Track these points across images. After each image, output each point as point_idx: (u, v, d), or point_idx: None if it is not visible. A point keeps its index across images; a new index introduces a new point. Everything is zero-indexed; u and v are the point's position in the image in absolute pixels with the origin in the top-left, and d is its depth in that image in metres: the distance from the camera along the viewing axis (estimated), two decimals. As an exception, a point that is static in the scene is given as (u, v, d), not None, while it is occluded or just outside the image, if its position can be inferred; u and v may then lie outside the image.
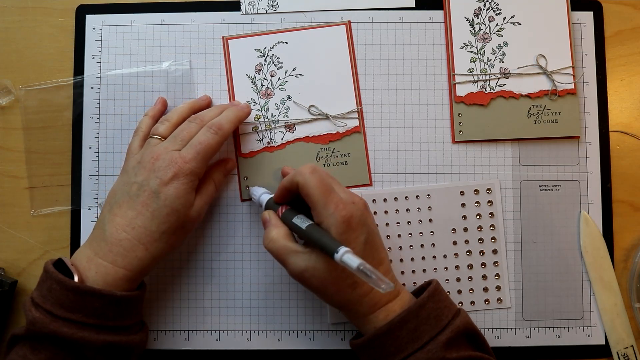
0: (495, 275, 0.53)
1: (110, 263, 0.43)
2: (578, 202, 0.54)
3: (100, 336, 0.41)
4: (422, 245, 0.53)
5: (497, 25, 0.54)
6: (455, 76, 0.54)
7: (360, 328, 0.46)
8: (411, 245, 0.53)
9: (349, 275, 0.42)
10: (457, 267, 0.53)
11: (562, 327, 0.53)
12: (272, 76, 0.54)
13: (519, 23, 0.54)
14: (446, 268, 0.53)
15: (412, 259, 0.53)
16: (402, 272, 0.53)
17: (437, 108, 0.54)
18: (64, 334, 0.40)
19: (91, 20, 0.54)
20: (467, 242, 0.53)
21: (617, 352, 0.52)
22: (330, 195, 0.42)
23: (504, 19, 0.54)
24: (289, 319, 0.53)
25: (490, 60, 0.54)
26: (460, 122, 0.54)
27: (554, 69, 0.54)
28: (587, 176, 0.54)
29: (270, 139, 0.53)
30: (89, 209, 0.53)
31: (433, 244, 0.53)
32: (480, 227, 0.53)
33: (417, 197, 0.53)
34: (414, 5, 0.55)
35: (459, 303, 0.53)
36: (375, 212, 0.53)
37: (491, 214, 0.53)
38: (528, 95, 0.54)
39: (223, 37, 0.54)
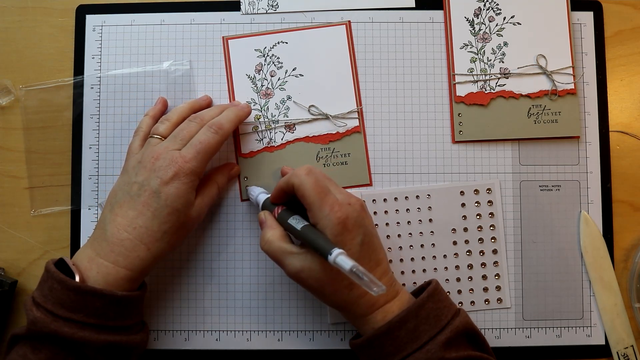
0: (495, 275, 0.53)
1: (111, 263, 0.43)
2: (578, 202, 0.54)
3: (100, 336, 0.41)
4: (422, 245, 0.53)
5: (497, 25, 0.54)
6: (455, 76, 0.54)
7: (358, 329, 0.46)
8: (411, 245, 0.53)
9: (344, 276, 0.42)
10: (457, 267, 0.53)
11: (562, 327, 0.53)
12: (272, 76, 0.54)
13: (519, 23, 0.54)
14: (446, 268, 0.53)
15: (412, 259, 0.53)
16: (402, 272, 0.53)
17: (437, 108, 0.54)
18: (64, 334, 0.40)
19: (91, 20, 0.54)
20: (467, 242, 0.53)
21: (617, 352, 0.52)
22: (326, 196, 0.42)
23: (504, 19, 0.54)
24: (289, 319, 0.53)
25: (490, 60, 0.54)
26: (460, 122, 0.54)
27: (554, 69, 0.54)
28: (587, 176, 0.54)
29: (270, 139, 0.53)
30: (89, 209, 0.53)
31: (433, 244, 0.53)
32: (480, 227, 0.53)
33: (417, 197, 0.53)
34: (414, 5, 0.55)
35: (459, 303, 0.53)
36: (375, 212, 0.53)
37: (491, 214, 0.53)
38: (528, 95, 0.54)
39: (223, 37, 0.54)
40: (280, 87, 0.54)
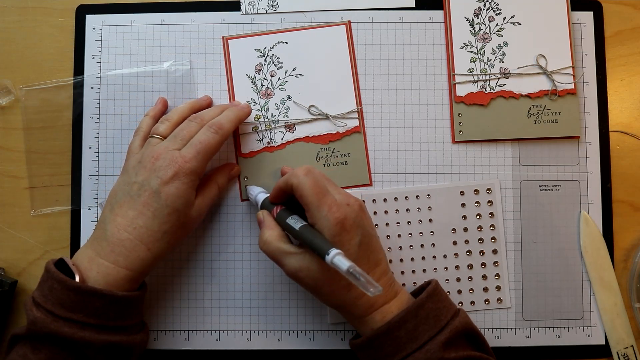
0: (495, 275, 0.53)
1: (111, 263, 0.43)
2: (578, 202, 0.54)
3: (101, 336, 0.41)
4: (422, 245, 0.53)
5: (497, 25, 0.54)
6: (455, 76, 0.54)
7: (358, 329, 0.46)
8: (411, 245, 0.53)
9: (343, 277, 0.42)
10: (457, 267, 0.53)
11: (562, 327, 0.53)
12: (272, 76, 0.54)
13: (519, 23, 0.54)
14: (446, 268, 0.53)
15: (412, 259, 0.53)
16: (402, 272, 0.53)
17: (437, 108, 0.54)
18: (64, 334, 0.40)
19: (91, 20, 0.54)
20: (467, 242, 0.53)
21: (617, 352, 0.52)
22: (324, 197, 0.42)
23: (504, 19, 0.54)
24: (289, 319, 0.53)
25: (490, 60, 0.54)
26: (460, 122, 0.54)
27: (554, 69, 0.54)
28: (587, 176, 0.54)
29: (270, 139, 0.53)
30: (89, 209, 0.53)
31: (433, 244, 0.53)
32: (480, 227, 0.53)
33: (417, 197, 0.53)
34: (414, 5, 0.55)
35: (459, 303, 0.53)
36: (375, 212, 0.53)
37: (491, 214, 0.53)
38: (528, 95, 0.54)
39: (223, 37, 0.54)
40: (280, 87, 0.54)
